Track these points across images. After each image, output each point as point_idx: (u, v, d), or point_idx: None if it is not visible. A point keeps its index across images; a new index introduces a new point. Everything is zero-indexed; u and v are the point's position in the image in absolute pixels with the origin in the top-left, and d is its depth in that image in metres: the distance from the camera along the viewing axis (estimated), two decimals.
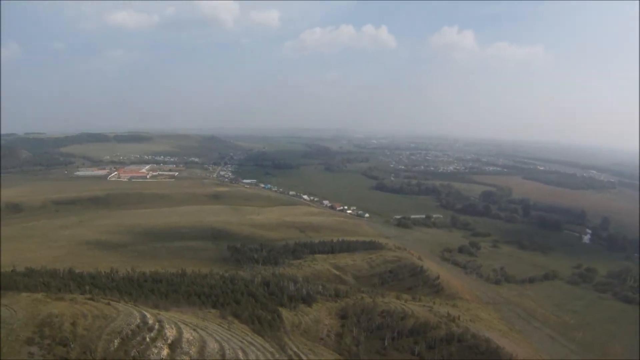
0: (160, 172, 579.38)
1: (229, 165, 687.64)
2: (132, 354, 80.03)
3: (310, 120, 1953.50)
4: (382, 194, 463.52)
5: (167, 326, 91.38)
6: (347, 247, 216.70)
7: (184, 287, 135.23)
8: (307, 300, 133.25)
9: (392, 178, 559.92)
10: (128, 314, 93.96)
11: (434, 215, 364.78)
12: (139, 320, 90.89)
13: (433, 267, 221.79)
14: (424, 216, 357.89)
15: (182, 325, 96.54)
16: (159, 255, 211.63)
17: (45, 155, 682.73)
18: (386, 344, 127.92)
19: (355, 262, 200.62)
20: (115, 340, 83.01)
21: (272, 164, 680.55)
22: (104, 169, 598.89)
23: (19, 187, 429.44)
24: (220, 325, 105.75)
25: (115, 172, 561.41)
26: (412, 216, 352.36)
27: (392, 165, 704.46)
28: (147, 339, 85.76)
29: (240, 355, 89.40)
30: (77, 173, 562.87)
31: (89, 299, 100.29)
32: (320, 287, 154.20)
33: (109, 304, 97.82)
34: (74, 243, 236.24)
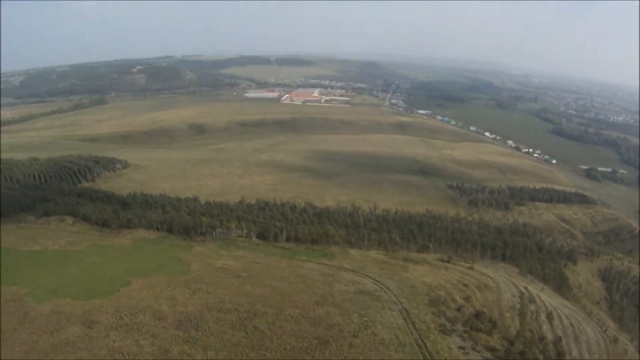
0: (332, 97, 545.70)
1: (397, 94, 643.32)
2: (535, 333, 71.77)
3: (464, 51, 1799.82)
4: (561, 139, 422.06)
5: (534, 294, 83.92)
6: (564, 198, 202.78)
7: (450, 233, 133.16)
8: (571, 257, 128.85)
9: (565, 122, 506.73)
10: (504, 282, 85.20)
11: (619, 171, 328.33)
12: (516, 290, 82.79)
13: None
14: (609, 170, 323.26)
15: (534, 291, 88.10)
16: (382, 189, 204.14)
17: (208, 77, 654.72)
18: None
19: (577, 216, 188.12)
20: (516, 318, 73.98)
21: (441, 96, 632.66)
22: (273, 91, 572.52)
23: (193, 108, 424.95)
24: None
25: (287, 95, 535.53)
26: (599, 168, 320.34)
27: (561, 109, 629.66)
28: (534, 313, 77.55)
29: (576, 325, 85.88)
30: (247, 95, 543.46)
31: (442, 260, 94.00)
32: (573, 243, 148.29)
33: (471, 267, 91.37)
34: (280, 169, 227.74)
